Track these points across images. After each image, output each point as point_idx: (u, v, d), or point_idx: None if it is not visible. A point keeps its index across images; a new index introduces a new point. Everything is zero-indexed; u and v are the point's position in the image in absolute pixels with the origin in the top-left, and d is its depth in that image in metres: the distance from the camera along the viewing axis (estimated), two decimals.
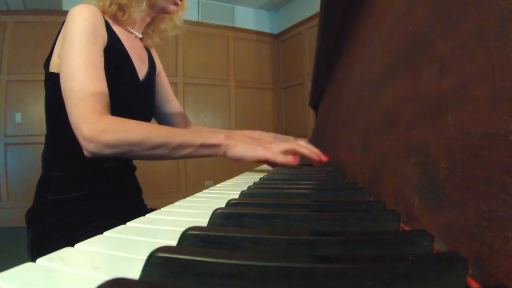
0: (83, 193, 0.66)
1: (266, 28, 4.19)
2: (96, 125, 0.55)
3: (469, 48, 0.18)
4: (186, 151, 0.61)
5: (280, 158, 0.63)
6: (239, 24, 4.03)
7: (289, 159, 0.64)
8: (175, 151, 0.60)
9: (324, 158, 0.68)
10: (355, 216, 0.25)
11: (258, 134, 0.77)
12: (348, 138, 0.64)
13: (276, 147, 0.63)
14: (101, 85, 0.59)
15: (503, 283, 0.15)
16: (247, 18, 4.10)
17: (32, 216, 0.67)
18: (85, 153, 0.57)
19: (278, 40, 4.19)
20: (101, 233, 0.25)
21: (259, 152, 0.62)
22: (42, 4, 3.00)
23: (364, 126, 0.47)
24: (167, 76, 0.93)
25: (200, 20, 3.80)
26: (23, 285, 0.15)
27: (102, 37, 0.65)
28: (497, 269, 0.15)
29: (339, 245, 0.19)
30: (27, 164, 2.96)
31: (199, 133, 0.62)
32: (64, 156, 0.68)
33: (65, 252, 0.21)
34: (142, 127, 0.59)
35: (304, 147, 0.67)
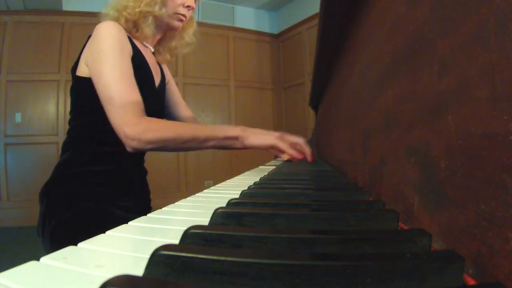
0: (98, 168, 0.74)
1: (266, 28, 4.19)
2: (137, 126, 0.66)
3: (469, 48, 0.18)
4: (212, 143, 0.73)
5: (291, 151, 0.74)
6: (239, 24, 4.03)
7: (298, 155, 0.76)
8: (203, 143, 0.72)
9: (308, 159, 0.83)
10: (354, 215, 0.25)
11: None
12: (348, 138, 0.64)
13: (287, 138, 0.75)
14: (136, 92, 0.69)
15: (500, 281, 0.15)
16: (247, 18, 4.10)
17: (45, 190, 0.72)
18: (128, 149, 0.68)
19: (278, 40, 4.19)
20: (108, 220, 0.26)
21: (272, 139, 0.74)
22: (42, 4, 2.99)
23: (364, 126, 0.47)
24: None
25: (200, 20, 3.80)
26: (27, 283, 0.16)
27: (128, 50, 0.74)
28: (497, 269, 0.15)
29: (338, 244, 0.19)
30: (27, 164, 2.95)
31: (219, 128, 0.75)
32: (86, 151, 0.75)
33: (68, 251, 0.21)
34: (175, 126, 0.73)
35: (306, 147, 0.80)
